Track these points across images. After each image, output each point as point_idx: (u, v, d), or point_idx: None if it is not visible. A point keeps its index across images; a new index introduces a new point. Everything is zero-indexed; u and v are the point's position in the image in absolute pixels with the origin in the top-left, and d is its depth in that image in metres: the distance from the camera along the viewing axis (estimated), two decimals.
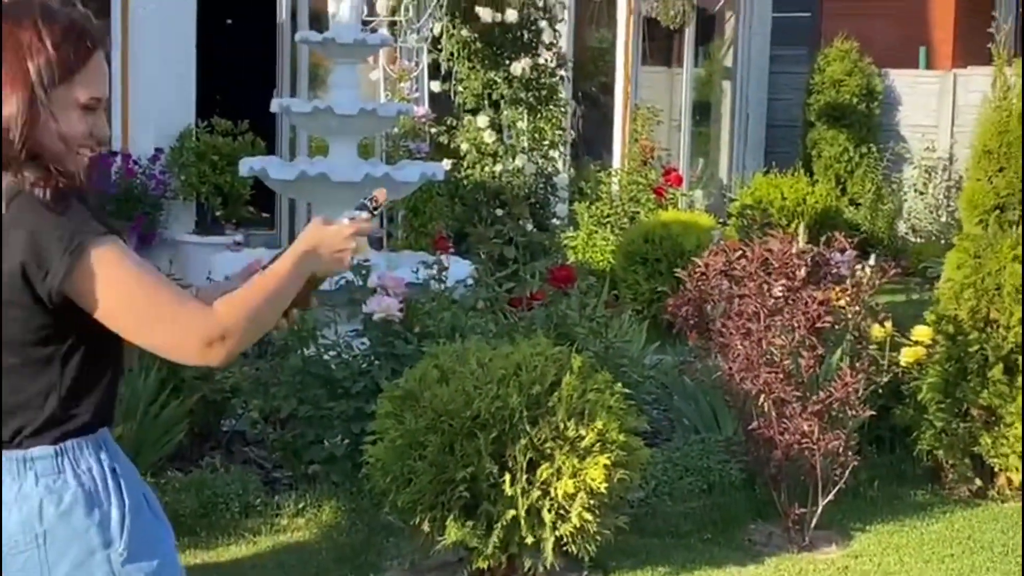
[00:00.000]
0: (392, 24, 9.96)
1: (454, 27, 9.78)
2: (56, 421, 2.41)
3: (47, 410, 2.40)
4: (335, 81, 7.69)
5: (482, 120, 9.76)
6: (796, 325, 5.62)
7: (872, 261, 6.27)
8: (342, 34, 7.49)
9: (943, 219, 14.02)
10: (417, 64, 10.07)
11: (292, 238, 10.43)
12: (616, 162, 12.84)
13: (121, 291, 2.32)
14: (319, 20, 10.94)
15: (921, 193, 14.22)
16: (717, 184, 14.56)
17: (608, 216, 11.67)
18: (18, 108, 2.33)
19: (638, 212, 11.66)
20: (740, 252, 5.85)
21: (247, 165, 7.55)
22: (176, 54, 9.81)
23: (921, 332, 6.40)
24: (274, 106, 7.87)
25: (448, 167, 9.11)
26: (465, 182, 9.81)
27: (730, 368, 5.70)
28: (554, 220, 10.27)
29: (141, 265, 2.37)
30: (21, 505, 2.38)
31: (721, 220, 11.78)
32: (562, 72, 10.25)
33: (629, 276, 9.87)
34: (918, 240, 13.81)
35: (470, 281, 6.81)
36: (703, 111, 14.65)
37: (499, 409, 4.83)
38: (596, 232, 11.51)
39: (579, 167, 12.48)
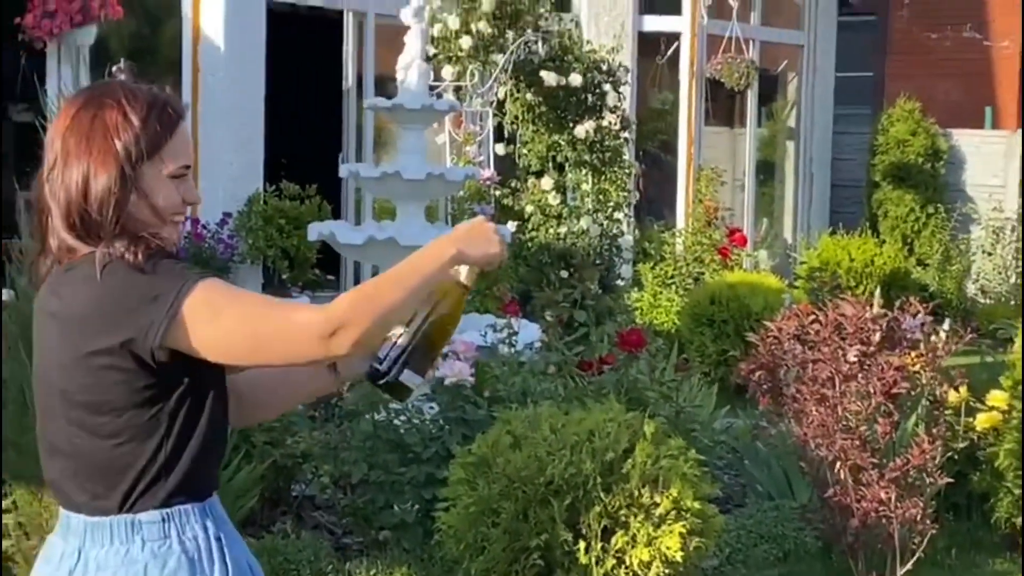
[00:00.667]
0: (457, 88, 10.02)
1: (518, 91, 9.83)
2: (163, 486, 2.43)
3: (154, 475, 2.42)
4: (403, 146, 7.74)
5: (547, 182, 9.79)
6: (872, 391, 5.55)
7: (947, 325, 6.18)
8: (410, 100, 7.55)
9: (1012, 280, 13.86)
10: (482, 127, 10.11)
11: None
12: (680, 222, 12.82)
13: (228, 320, 2.33)
14: (383, 85, 11.05)
15: (989, 254, 14.08)
16: (782, 244, 14.49)
17: (672, 277, 11.63)
18: (108, 186, 2.39)
19: (703, 273, 11.62)
20: (813, 316, 5.80)
21: (316, 230, 7.59)
22: (245, 119, 9.91)
23: (997, 397, 6.31)
24: (343, 171, 7.93)
25: (513, 229, 9.13)
26: (530, 244, 9.81)
27: (805, 434, 5.64)
28: (619, 281, 10.25)
29: (241, 291, 2.40)
30: (128, 568, 2.42)
31: (788, 281, 11.71)
32: (626, 134, 10.26)
33: (696, 338, 9.82)
34: (987, 301, 13.65)
35: (538, 344, 6.79)
36: (766, 171, 14.61)
37: (573, 476, 4.80)
38: (660, 293, 11.47)
39: (642, 228, 12.47)
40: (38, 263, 2.50)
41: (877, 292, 6.26)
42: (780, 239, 14.57)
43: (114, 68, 6.39)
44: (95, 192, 2.38)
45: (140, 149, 2.40)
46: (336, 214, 10.51)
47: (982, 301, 13.79)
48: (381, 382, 2.51)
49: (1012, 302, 13.50)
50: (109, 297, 2.34)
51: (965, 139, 14.74)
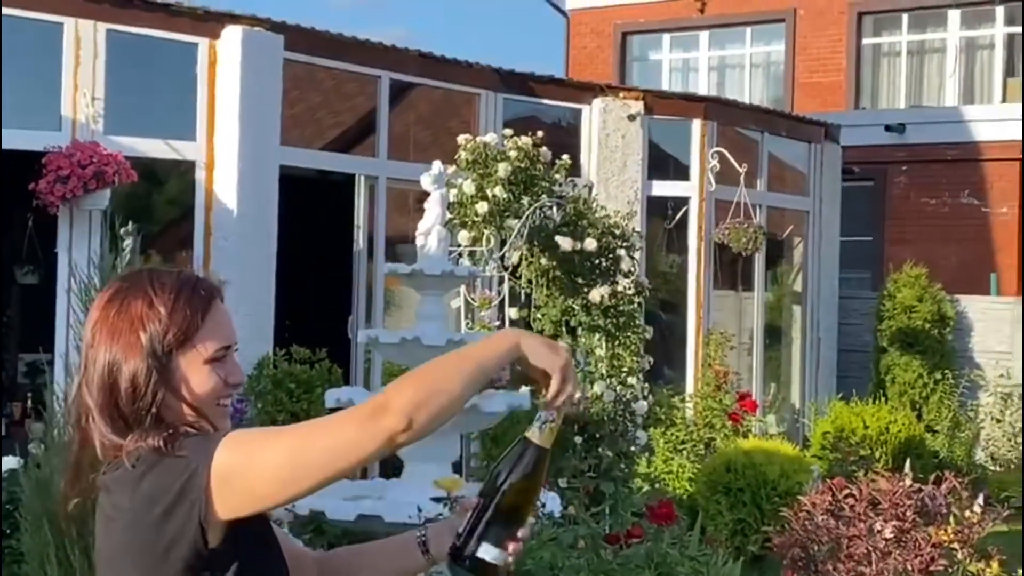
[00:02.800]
0: (471, 253, 10.03)
1: (532, 255, 9.84)
2: None
3: None
4: (422, 312, 7.67)
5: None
6: (910, 568, 5.44)
7: (981, 500, 6.08)
8: (430, 266, 7.50)
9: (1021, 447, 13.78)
10: (499, 292, 10.09)
11: (365, 468, 10.32)
12: (689, 387, 12.75)
13: (265, 449, 2.24)
14: (393, 248, 11.07)
15: (998, 420, 14.02)
16: (789, 409, 14.41)
17: (684, 442, 11.52)
18: (134, 379, 2.32)
19: (714, 438, 11.52)
20: (847, 491, 5.71)
21: (334, 396, 7.48)
22: (256, 283, 9.89)
23: None
24: (361, 336, 7.85)
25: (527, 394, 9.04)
26: None
27: None
28: (632, 448, 10.14)
29: (266, 428, 2.31)
30: None
31: (798, 446, 11.60)
32: (639, 299, 10.25)
33: (711, 506, 9.69)
34: (997, 468, 13.55)
35: (557, 514, 6.66)
36: (773, 335, 14.59)
37: None
38: (672, 459, 11.36)
39: (652, 392, 12.38)
40: (71, 481, 2.42)
41: (908, 465, 6.18)
42: (788, 403, 14.49)
43: (122, 231, 6.36)
44: (124, 385, 2.32)
45: (168, 339, 2.33)
46: (346, 378, 10.43)
47: (992, 468, 13.68)
48: (461, 558, 2.36)
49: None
50: (147, 495, 2.27)
51: (972, 305, 14.79)
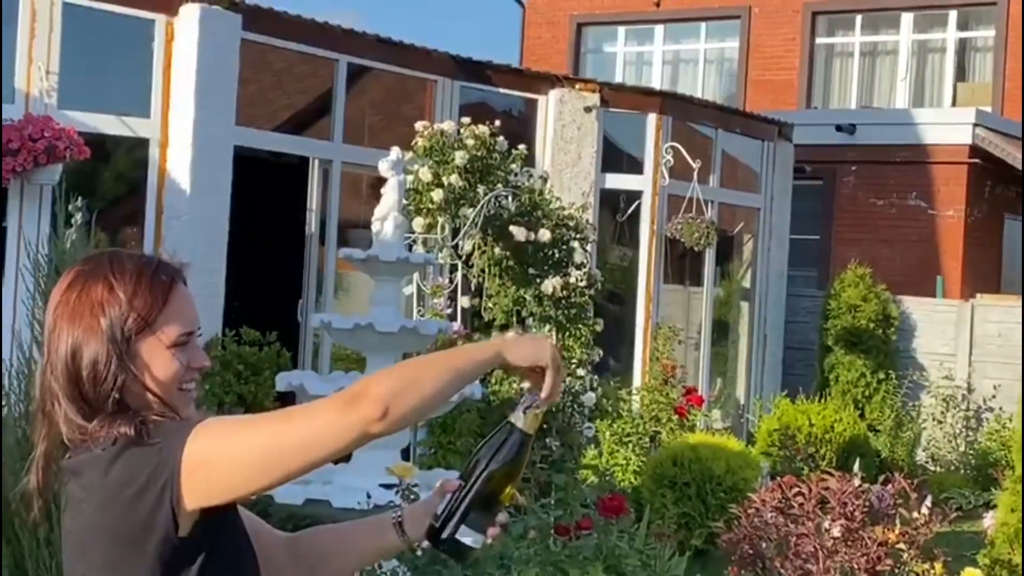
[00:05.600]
0: (425, 240, 10.02)
1: (486, 244, 9.83)
2: None
3: None
4: (376, 298, 7.66)
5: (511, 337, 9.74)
6: (856, 567, 5.49)
7: (929, 501, 6.14)
8: (385, 252, 7.49)
9: (962, 448, 13.93)
10: (452, 280, 10.09)
11: None
12: (636, 380, 12.79)
13: (240, 434, 2.23)
14: (346, 232, 11.04)
15: (940, 422, 14.15)
16: (734, 405, 14.49)
17: (630, 435, 11.56)
18: (94, 363, 2.31)
19: (659, 432, 11.56)
20: (797, 489, 5.75)
21: (285, 380, 7.47)
22: (207, 263, 9.81)
23: (972, 574, 6.26)
24: (314, 320, 7.84)
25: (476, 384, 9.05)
26: (493, 398, 9.73)
27: None
28: (580, 440, 10.17)
29: (241, 416, 2.30)
30: None
31: (742, 441, 11.67)
32: (591, 291, 10.28)
33: (656, 499, 9.72)
34: (938, 469, 13.69)
35: (511, 504, 6.66)
36: (720, 331, 14.66)
37: None
38: (617, 451, 11.39)
39: (600, 384, 12.41)
40: (43, 467, 2.39)
41: (857, 465, 6.24)
42: (733, 399, 14.57)
43: (71, 207, 6.30)
44: (86, 370, 2.30)
45: (129, 325, 2.31)
46: (294, 362, 10.39)
47: (932, 469, 13.82)
48: (439, 540, 2.35)
49: (962, 471, 13.55)
50: (117, 479, 2.26)
51: (916, 306, 14.91)
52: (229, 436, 2.24)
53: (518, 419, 2.34)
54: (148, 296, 2.33)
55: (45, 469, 2.39)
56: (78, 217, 6.07)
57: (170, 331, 2.35)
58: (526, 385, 2.37)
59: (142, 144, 9.88)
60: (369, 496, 6.58)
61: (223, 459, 2.22)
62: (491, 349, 2.32)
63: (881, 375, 14.14)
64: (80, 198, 6.14)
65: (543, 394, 2.34)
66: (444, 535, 2.35)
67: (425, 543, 2.45)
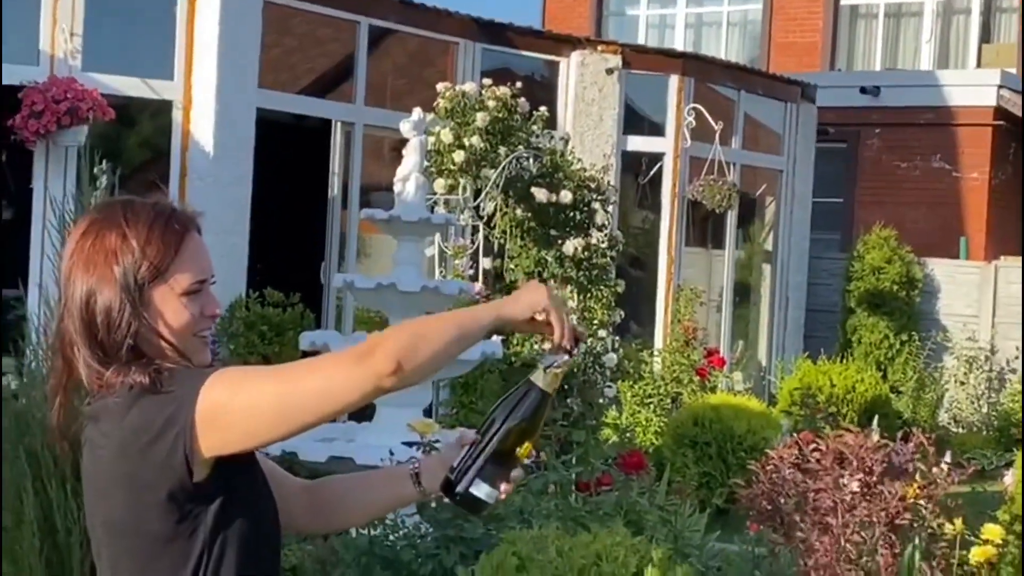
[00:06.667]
0: (447, 201, 10.05)
1: (508, 205, 9.86)
2: None
3: None
4: (398, 258, 7.70)
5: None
6: (876, 521, 5.52)
7: (948, 458, 6.16)
8: (407, 212, 7.52)
9: (984, 410, 13.94)
10: (473, 241, 10.12)
11: None
12: (658, 342, 12.82)
13: (254, 385, 2.27)
14: (368, 194, 11.08)
15: (962, 383, 14.16)
16: (756, 366, 14.51)
17: (651, 396, 11.60)
18: (109, 310, 2.34)
19: (680, 393, 11.61)
20: (814, 445, 5.78)
21: (308, 339, 7.53)
22: (230, 225, 9.88)
23: (992, 531, 6.28)
24: (337, 280, 7.88)
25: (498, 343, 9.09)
26: (514, 359, 9.78)
27: (806, 564, 5.59)
28: (601, 400, 10.22)
29: (258, 366, 2.33)
30: None
31: (764, 403, 11.70)
32: (612, 253, 10.30)
33: (678, 459, 9.76)
34: (960, 430, 13.70)
35: (527, 460, 6.72)
36: (742, 293, 14.67)
37: None
38: (639, 412, 11.44)
39: (621, 346, 12.46)
40: (62, 406, 2.45)
41: (875, 421, 6.26)
42: (755, 361, 14.59)
43: (96, 169, 6.35)
44: (100, 316, 2.34)
45: (142, 273, 2.34)
46: (318, 323, 10.45)
47: (955, 430, 13.84)
48: (454, 493, 2.40)
49: (984, 432, 13.56)
50: (134, 425, 2.30)
51: (939, 268, 14.89)
52: (244, 386, 2.27)
53: (538, 378, 2.36)
54: (161, 244, 2.35)
55: (62, 409, 2.45)
56: (103, 180, 6.11)
57: (183, 279, 2.37)
58: (547, 346, 2.40)
59: (166, 108, 9.93)
60: (392, 453, 6.64)
61: (238, 409, 2.26)
62: (491, 310, 2.35)
63: (904, 337, 14.16)
64: (104, 160, 6.18)
65: (555, 336, 2.36)
66: (458, 488, 2.39)
67: (440, 494, 2.50)
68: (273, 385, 2.27)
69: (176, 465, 2.27)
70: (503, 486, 2.41)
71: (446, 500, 2.51)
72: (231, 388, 2.27)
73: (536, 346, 9.76)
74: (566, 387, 9.19)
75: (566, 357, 2.36)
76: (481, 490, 2.39)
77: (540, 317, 2.34)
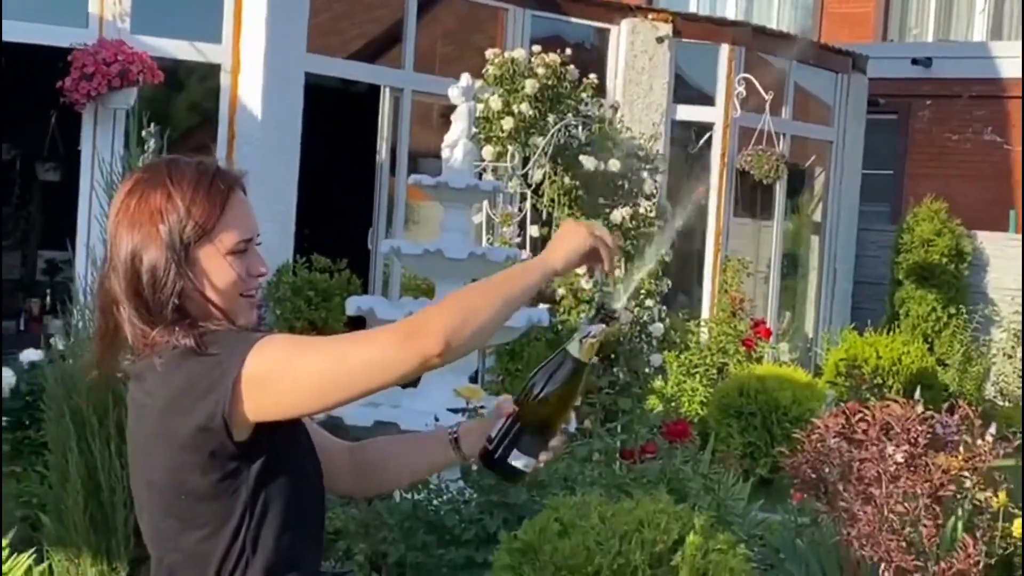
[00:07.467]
0: (494, 169, 10.04)
1: (556, 173, 9.84)
2: (252, 570, 2.37)
3: (237, 560, 2.37)
4: (445, 224, 7.72)
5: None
6: (920, 492, 5.49)
7: (993, 430, 6.11)
8: (455, 179, 7.54)
9: None
10: (521, 209, 10.11)
11: None
12: (705, 312, 12.78)
13: (303, 356, 2.27)
14: (416, 161, 11.08)
15: (1009, 356, 14.05)
16: (802, 338, 14.45)
17: (697, 366, 11.58)
18: (154, 270, 2.34)
19: (726, 363, 11.58)
20: (860, 415, 5.74)
21: (354, 304, 7.56)
22: (278, 189, 9.92)
23: None
24: (384, 246, 7.90)
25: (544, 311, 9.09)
26: (560, 327, 9.77)
27: (848, 533, 5.56)
28: (647, 369, 10.21)
29: (303, 336, 2.33)
30: None
31: (809, 374, 11.66)
32: (660, 222, 10.28)
33: (722, 429, 9.75)
34: (1007, 403, 13.60)
35: (572, 428, 6.73)
36: (790, 264, 14.60)
37: (622, 566, 4.73)
38: (684, 382, 11.42)
39: (668, 316, 12.43)
40: (108, 358, 2.47)
41: (918, 392, 6.22)
42: (801, 332, 14.53)
43: (144, 132, 6.37)
44: (145, 275, 2.35)
45: (187, 233, 2.35)
46: (364, 288, 10.48)
47: (1001, 403, 13.73)
48: (492, 461, 2.41)
49: None
50: (178, 385, 2.32)
51: (989, 241, 14.76)
52: (290, 357, 2.28)
53: (574, 348, 2.36)
54: (206, 203, 2.36)
55: (101, 347, 2.45)
56: (151, 143, 6.13)
57: (227, 238, 2.38)
58: (587, 316, 2.40)
59: (214, 72, 9.96)
60: (437, 419, 6.67)
61: (281, 379, 2.27)
62: (537, 271, 2.34)
63: (952, 310, 14.05)
64: (152, 124, 6.20)
65: (605, 267, 2.37)
66: (497, 457, 2.39)
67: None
68: (319, 359, 2.26)
69: (216, 427, 2.28)
70: (542, 455, 2.41)
71: (472, 465, 2.53)
72: (276, 358, 2.27)
73: (583, 315, 9.76)
74: (611, 355, 9.18)
75: (603, 327, 2.35)
76: (519, 460, 2.39)
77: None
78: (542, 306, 9.07)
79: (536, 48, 10.53)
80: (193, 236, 2.35)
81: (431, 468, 2.70)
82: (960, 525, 6.02)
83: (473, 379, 9.40)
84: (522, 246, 10.16)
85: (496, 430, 2.41)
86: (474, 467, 5.65)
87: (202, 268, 2.36)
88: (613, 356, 9.16)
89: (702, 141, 12.99)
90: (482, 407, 6.13)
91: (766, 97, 12.83)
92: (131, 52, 8.94)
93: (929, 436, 5.64)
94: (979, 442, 5.96)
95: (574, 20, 12.42)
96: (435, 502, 5.92)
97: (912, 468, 5.53)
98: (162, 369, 2.33)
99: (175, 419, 2.31)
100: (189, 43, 9.79)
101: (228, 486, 2.33)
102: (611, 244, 2.39)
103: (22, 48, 9.19)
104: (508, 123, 9.75)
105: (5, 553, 4.95)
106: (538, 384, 2.37)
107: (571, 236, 2.37)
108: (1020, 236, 15.10)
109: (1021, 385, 12.75)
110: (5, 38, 8.54)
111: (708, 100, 13.08)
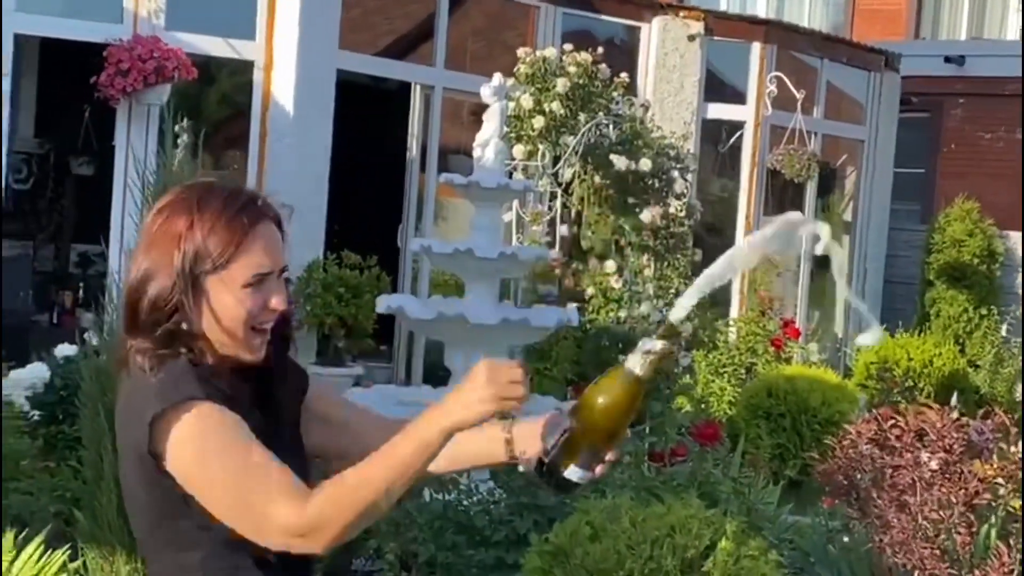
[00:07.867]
0: (525, 168, 10.04)
1: (586, 172, 9.83)
2: None
3: None
4: (476, 223, 7.72)
5: (610, 265, 9.76)
6: (955, 500, 5.46)
7: None
8: (486, 178, 7.53)
9: None
10: (551, 208, 10.10)
11: (408, 374, 10.36)
12: (734, 311, 12.75)
13: (213, 469, 2.28)
14: (446, 158, 11.08)
15: None
16: (832, 338, 14.39)
17: (725, 366, 11.54)
18: (160, 294, 2.35)
19: (755, 363, 11.54)
20: (893, 421, 5.71)
21: (385, 302, 7.56)
22: (309, 186, 9.93)
23: None
24: (414, 245, 7.91)
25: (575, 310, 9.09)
26: (589, 326, 9.77)
27: (881, 540, 5.54)
28: (676, 369, 10.18)
29: (228, 440, 2.28)
30: None
31: (839, 375, 11.61)
32: (690, 222, 10.25)
33: (751, 430, 9.70)
34: None
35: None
36: (819, 264, 14.53)
37: (653, 571, 4.72)
38: (713, 381, 11.39)
39: (697, 315, 12.38)
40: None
41: (955, 398, 6.18)
42: (831, 333, 14.48)
43: (177, 127, 6.39)
44: (148, 297, 2.35)
45: (201, 265, 2.34)
46: (394, 286, 10.49)
47: None
48: (547, 477, 2.37)
49: None
50: (125, 400, 2.37)
51: (1021, 242, 14.68)
52: (212, 450, 2.28)
53: (634, 363, 2.31)
54: (225, 235, 2.34)
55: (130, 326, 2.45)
56: (184, 138, 6.15)
57: (240, 273, 2.35)
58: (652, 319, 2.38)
59: (246, 67, 9.98)
60: None
61: (191, 484, 2.30)
62: (434, 431, 2.28)
63: (983, 311, 13.98)
64: (185, 119, 6.22)
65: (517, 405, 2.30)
66: (552, 470, 2.35)
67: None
68: (227, 492, 2.27)
69: (145, 455, 2.31)
70: (597, 468, 2.36)
71: (520, 468, 2.49)
72: (196, 451, 2.28)
73: (612, 314, 9.75)
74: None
75: (664, 343, 2.31)
76: (575, 474, 2.35)
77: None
78: (571, 305, 9.06)
79: (568, 47, 10.51)
80: (205, 268, 2.34)
81: (476, 462, 2.63)
82: (994, 533, 5.99)
83: None
84: (552, 245, 10.15)
85: (551, 443, 2.35)
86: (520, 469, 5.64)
87: (210, 299, 2.36)
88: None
89: (733, 140, 12.95)
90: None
91: (798, 95, 12.78)
92: (166, 48, 8.97)
93: (964, 444, 5.61)
94: (1012, 449, 5.93)
95: (605, 18, 12.39)
96: (465, 502, 5.92)
97: (947, 476, 5.50)
98: (127, 378, 2.38)
99: (126, 436, 2.36)
100: (223, 40, 9.81)
101: (175, 509, 2.34)
102: (522, 397, 2.27)
103: (58, 44, 9.22)
104: (539, 122, 9.74)
105: (39, 551, 4.97)
106: (599, 400, 2.33)
107: (477, 389, 2.27)
108: None
109: (1021, 385, 12.63)
110: (42, 34, 8.57)
111: (739, 98, 13.04)
